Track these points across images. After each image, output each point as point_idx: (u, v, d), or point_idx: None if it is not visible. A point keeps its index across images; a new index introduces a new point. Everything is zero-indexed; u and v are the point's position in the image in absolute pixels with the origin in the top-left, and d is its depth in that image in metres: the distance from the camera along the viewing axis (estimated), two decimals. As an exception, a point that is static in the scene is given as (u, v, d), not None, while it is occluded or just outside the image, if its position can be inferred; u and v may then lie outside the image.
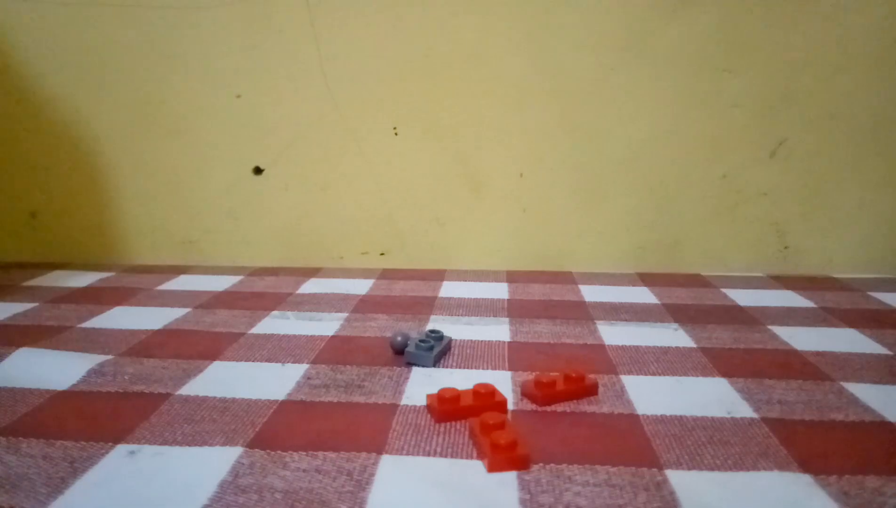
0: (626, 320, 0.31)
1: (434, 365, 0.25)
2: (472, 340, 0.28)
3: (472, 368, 0.25)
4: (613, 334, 0.29)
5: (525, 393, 0.21)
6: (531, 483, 0.17)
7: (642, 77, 0.42)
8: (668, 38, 0.42)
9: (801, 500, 0.16)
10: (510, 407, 0.21)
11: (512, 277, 0.41)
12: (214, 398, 0.22)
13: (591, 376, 0.21)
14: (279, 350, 0.27)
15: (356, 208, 0.45)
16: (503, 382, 0.23)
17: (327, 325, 0.31)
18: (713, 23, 0.41)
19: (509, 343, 0.28)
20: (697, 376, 0.24)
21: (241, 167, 0.46)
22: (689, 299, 0.35)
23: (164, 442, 0.19)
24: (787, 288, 0.38)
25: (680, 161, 0.42)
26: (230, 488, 0.16)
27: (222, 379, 0.24)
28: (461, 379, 0.24)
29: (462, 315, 0.32)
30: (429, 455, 0.18)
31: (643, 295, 0.36)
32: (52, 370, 0.24)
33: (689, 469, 0.17)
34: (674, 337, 0.29)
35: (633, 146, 0.42)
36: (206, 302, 0.35)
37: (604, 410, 0.21)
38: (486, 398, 0.21)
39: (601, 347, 0.27)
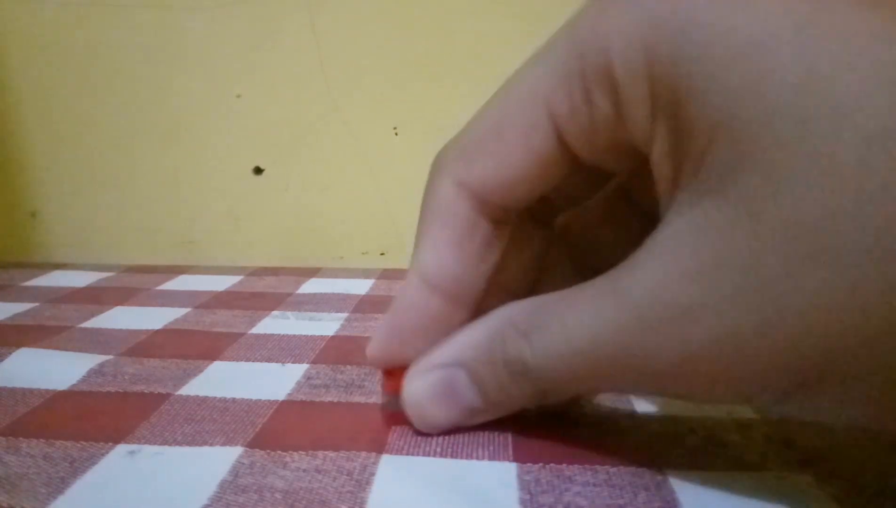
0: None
1: None
2: (472, 340, 0.28)
3: (472, 368, 0.25)
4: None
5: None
6: (531, 483, 0.17)
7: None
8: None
9: (801, 500, 0.16)
10: None
11: (512, 277, 0.40)
12: (214, 398, 0.22)
13: None
14: (279, 350, 0.27)
15: (356, 208, 0.45)
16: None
17: (327, 325, 0.31)
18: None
19: (509, 343, 0.28)
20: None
21: (241, 167, 0.46)
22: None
23: (164, 442, 0.19)
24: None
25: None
26: (230, 488, 0.16)
27: (222, 379, 0.24)
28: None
29: (462, 315, 0.32)
30: (429, 455, 0.18)
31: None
32: (52, 370, 0.24)
33: (690, 469, 0.17)
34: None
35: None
36: (206, 302, 0.35)
37: (604, 410, 0.21)
38: None
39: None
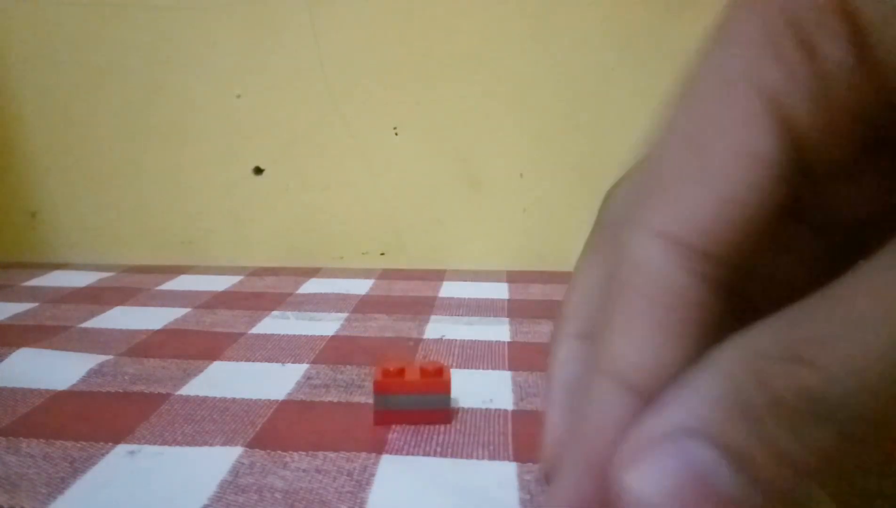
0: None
1: None
2: (472, 340, 0.28)
3: (471, 368, 0.25)
4: (613, 334, 0.29)
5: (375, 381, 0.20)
6: (531, 483, 0.17)
7: (643, 77, 0.42)
8: (670, 37, 0.42)
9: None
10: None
11: (512, 277, 0.41)
12: (214, 398, 0.22)
13: (448, 373, 0.20)
14: (279, 350, 0.27)
15: (356, 208, 0.45)
16: (503, 382, 0.23)
17: (327, 325, 0.31)
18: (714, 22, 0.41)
19: (509, 343, 0.28)
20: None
21: (241, 167, 0.46)
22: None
23: (164, 442, 0.19)
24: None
25: (680, 161, 0.42)
26: (230, 488, 0.16)
27: (222, 379, 0.24)
28: (460, 379, 0.24)
29: (462, 315, 0.32)
30: (429, 455, 0.18)
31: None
32: (52, 370, 0.24)
33: (690, 469, 0.17)
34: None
35: (635, 145, 0.42)
36: (206, 302, 0.35)
37: (604, 410, 0.21)
38: (434, 375, 0.20)
39: (601, 347, 0.27)
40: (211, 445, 0.19)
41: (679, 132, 0.13)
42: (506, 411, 0.21)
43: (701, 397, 0.11)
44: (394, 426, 0.20)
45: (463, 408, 0.21)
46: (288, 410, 0.21)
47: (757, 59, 0.11)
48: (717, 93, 0.12)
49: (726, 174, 0.12)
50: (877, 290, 0.10)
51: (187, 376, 0.24)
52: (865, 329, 0.10)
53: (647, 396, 0.12)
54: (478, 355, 0.26)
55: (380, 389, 0.20)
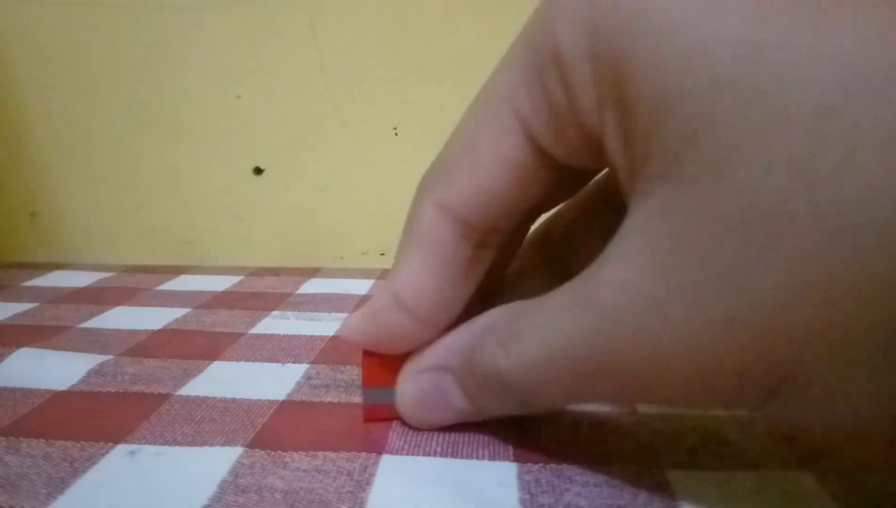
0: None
1: None
2: (472, 340, 0.28)
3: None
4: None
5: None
6: (531, 483, 0.17)
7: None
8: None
9: (802, 498, 0.16)
10: None
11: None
12: (214, 398, 0.22)
13: None
14: (279, 350, 0.27)
15: (356, 208, 0.45)
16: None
17: (327, 325, 0.31)
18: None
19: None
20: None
21: (241, 167, 0.46)
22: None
23: (164, 442, 0.19)
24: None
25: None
26: (230, 488, 0.16)
27: (222, 379, 0.24)
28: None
29: (462, 315, 0.32)
30: (429, 455, 0.18)
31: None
32: (52, 370, 0.24)
33: (690, 469, 0.17)
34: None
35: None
36: (206, 302, 0.35)
37: (604, 409, 0.21)
38: None
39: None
40: (211, 445, 0.19)
41: (464, 130, 0.17)
42: (506, 411, 0.21)
43: (456, 347, 0.18)
44: (394, 425, 0.20)
45: (463, 408, 0.21)
46: (288, 410, 0.21)
47: (519, 90, 0.15)
48: (492, 107, 0.16)
49: (486, 170, 0.16)
50: (549, 310, 0.15)
51: (187, 376, 0.24)
52: (535, 337, 0.15)
53: (411, 310, 0.18)
54: (478, 355, 0.26)
55: (369, 382, 0.20)
